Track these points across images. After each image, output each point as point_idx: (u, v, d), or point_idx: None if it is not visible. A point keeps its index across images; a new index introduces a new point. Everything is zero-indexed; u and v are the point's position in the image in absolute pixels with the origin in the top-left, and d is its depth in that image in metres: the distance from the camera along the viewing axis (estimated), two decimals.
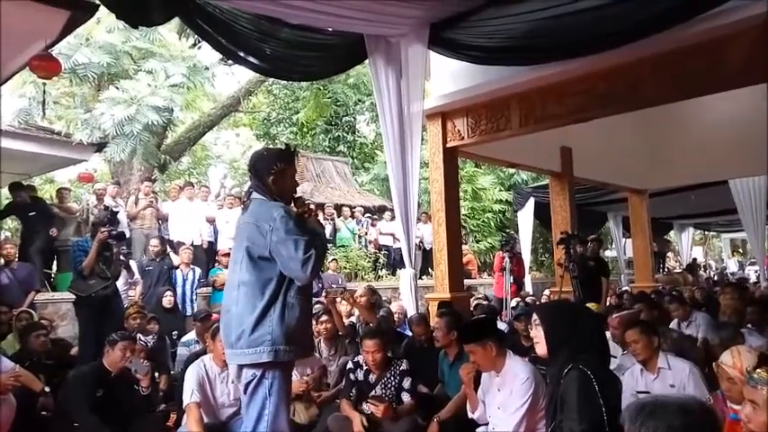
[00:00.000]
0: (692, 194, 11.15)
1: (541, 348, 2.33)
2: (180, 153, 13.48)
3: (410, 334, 5.62)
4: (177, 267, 7.81)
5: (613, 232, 14.72)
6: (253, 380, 2.56)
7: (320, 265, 2.65)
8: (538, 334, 2.35)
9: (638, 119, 6.64)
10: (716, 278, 17.36)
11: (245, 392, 2.61)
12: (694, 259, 18.56)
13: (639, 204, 10.62)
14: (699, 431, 1.28)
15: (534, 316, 2.44)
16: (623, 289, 10.43)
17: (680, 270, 17.25)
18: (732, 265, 23.64)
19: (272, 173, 2.71)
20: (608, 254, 17.82)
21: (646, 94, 5.08)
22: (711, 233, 25.08)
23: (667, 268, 18.98)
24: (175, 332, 6.31)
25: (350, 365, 4.34)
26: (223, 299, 2.82)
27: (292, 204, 2.82)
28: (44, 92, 8.30)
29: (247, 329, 2.52)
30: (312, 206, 2.91)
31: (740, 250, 27.33)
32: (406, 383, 4.10)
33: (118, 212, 6.21)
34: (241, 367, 2.59)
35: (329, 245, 11.28)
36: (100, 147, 9.24)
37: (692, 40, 4.58)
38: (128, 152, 9.69)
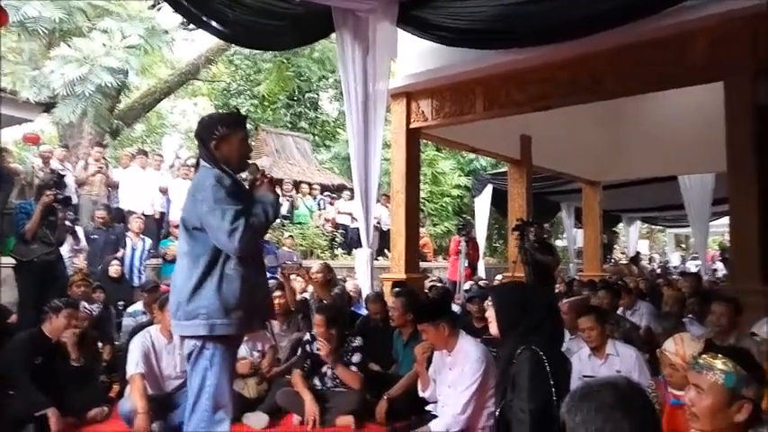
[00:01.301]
0: (642, 188, 11.48)
1: (494, 328, 2.35)
2: (133, 119, 13.01)
3: (365, 313, 5.62)
4: (125, 236, 7.56)
5: (565, 222, 15.03)
6: (194, 350, 2.49)
7: (257, 236, 2.53)
8: (491, 315, 2.37)
9: (597, 111, 6.77)
10: (659, 271, 18.04)
11: (187, 363, 2.55)
12: (638, 252, 19.21)
13: (593, 196, 10.88)
14: (628, 402, 1.30)
15: (489, 297, 2.46)
16: (572, 277, 10.69)
17: (625, 261, 17.85)
18: (675, 259, 24.61)
19: (215, 138, 2.58)
20: (558, 243, 18.26)
21: (607, 85, 5.18)
22: (657, 227, 26.00)
23: (614, 259, 19.61)
24: (122, 303, 6.11)
25: (307, 337, 4.32)
26: (174, 269, 2.74)
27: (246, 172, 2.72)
28: None
29: (183, 301, 2.45)
30: (267, 173, 2.78)
31: (683, 245, 28.48)
32: (355, 358, 4.11)
33: (64, 176, 5.96)
34: (183, 338, 2.54)
35: (286, 221, 11.16)
36: (48, 107, 8.79)
37: (655, 35, 4.69)
38: (78, 114, 9.27)
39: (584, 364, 3.60)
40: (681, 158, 8.68)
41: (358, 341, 4.21)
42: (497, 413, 2.33)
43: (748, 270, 4.18)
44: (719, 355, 1.63)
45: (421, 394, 3.33)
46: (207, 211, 2.42)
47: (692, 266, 19.21)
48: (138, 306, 5.76)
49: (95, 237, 7.27)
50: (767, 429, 1.59)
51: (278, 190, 9.51)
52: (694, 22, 4.44)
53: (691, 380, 1.68)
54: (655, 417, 1.35)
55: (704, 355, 1.66)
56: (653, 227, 25.71)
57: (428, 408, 3.32)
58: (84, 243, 6.87)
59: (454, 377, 3.05)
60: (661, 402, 2.59)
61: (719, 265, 17.95)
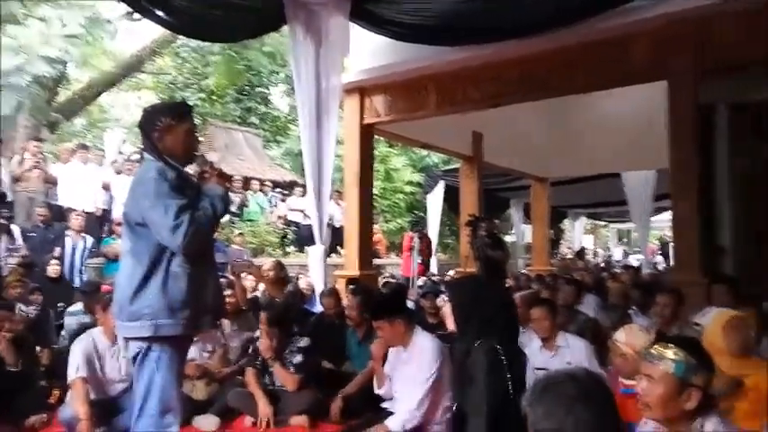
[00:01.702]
0: (588, 185, 11.82)
1: (451, 323, 2.35)
2: (73, 112, 12.44)
3: (318, 310, 5.55)
4: (65, 235, 7.23)
5: (514, 218, 15.33)
6: (139, 353, 2.38)
7: (204, 232, 2.40)
8: (447, 310, 2.36)
9: (546, 109, 6.91)
10: (603, 264, 18.66)
11: (133, 365, 2.43)
12: (583, 247, 19.82)
13: (541, 192, 11.13)
14: (588, 394, 1.31)
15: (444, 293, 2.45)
16: (521, 271, 10.91)
17: (571, 256, 18.37)
18: (618, 254, 25.50)
19: (158, 129, 2.46)
20: (508, 238, 18.60)
21: (555, 84, 5.29)
22: (601, 223, 26.88)
23: (560, 254, 20.15)
24: (61, 304, 5.83)
25: (257, 334, 4.23)
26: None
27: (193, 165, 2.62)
28: None
29: (126, 301, 2.34)
30: (216, 165, 2.67)
31: (625, 240, 29.55)
32: (296, 359, 4.04)
33: None
34: (127, 340, 2.42)
35: (236, 218, 10.93)
36: None
37: (601, 35, 4.82)
38: (13, 106, 8.75)
39: (534, 355, 3.67)
40: (625, 156, 8.96)
41: (304, 342, 4.13)
42: (454, 407, 2.33)
43: (690, 263, 4.35)
44: (670, 345, 1.66)
45: (377, 391, 3.30)
46: (149, 206, 2.31)
47: (633, 260, 19.96)
48: (80, 306, 5.51)
49: (33, 235, 6.91)
50: (716, 417, 1.63)
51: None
52: (640, 22, 4.58)
53: (642, 370, 1.71)
54: (614, 407, 1.36)
55: (655, 346, 1.70)
56: (597, 222, 26.57)
57: (384, 405, 3.30)
58: (20, 242, 6.52)
59: (410, 373, 3.04)
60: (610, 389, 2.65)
61: (659, 259, 18.73)
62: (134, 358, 2.41)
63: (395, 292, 5.55)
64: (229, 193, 2.67)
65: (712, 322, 2.57)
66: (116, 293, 2.46)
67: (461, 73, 5.81)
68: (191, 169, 2.67)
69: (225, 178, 2.66)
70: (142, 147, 2.63)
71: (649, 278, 8.66)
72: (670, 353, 1.65)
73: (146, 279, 2.34)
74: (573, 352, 3.59)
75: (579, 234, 20.98)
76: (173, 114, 2.53)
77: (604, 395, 1.33)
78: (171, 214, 2.27)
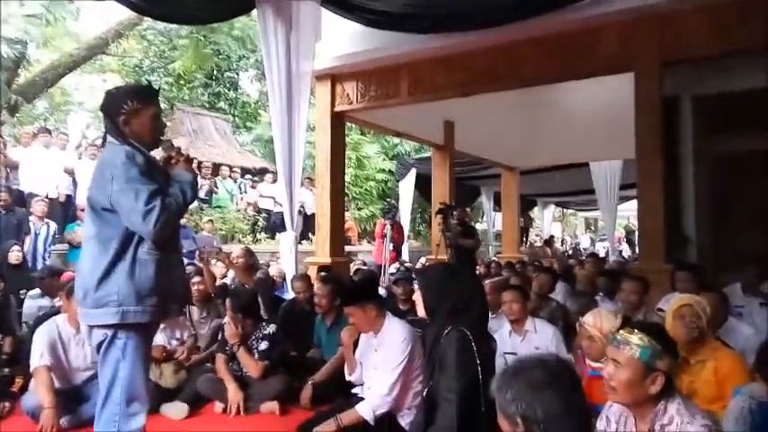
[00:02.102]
0: (556, 174, 12.00)
1: (421, 310, 2.36)
2: (34, 95, 12.03)
3: (287, 297, 5.53)
4: (28, 220, 7.03)
5: (485, 206, 15.50)
6: (104, 340, 2.32)
7: (174, 217, 2.36)
8: (418, 297, 2.37)
9: (516, 99, 6.95)
10: (570, 252, 19.01)
11: (97, 354, 2.37)
12: (552, 235, 20.15)
13: (511, 181, 11.26)
14: (557, 379, 1.34)
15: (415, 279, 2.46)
16: (491, 259, 11.04)
17: (540, 244, 18.66)
18: (585, 241, 26.00)
19: (123, 113, 2.38)
20: (479, 226, 18.80)
21: (525, 74, 5.35)
22: (569, 211, 27.34)
23: (529, 242, 20.45)
24: (23, 291, 5.66)
25: (226, 320, 4.20)
26: (81, 254, 2.54)
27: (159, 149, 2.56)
28: None
29: (91, 288, 2.27)
30: (183, 151, 2.62)
31: (592, 227, 30.13)
32: (262, 346, 4.05)
33: None
34: (92, 327, 2.35)
35: (205, 205, 10.78)
36: None
37: (570, 26, 4.90)
38: None
39: (504, 341, 3.74)
40: (592, 145, 9.12)
41: (270, 329, 4.13)
42: (425, 393, 2.35)
43: (655, 251, 4.47)
44: (636, 331, 1.71)
45: (348, 378, 3.31)
46: (118, 191, 2.24)
47: (600, 248, 20.40)
48: (39, 290, 5.40)
49: None
50: (678, 399, 1.68)
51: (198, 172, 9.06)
52: (607, 15, 4.68)
53: (609, 354, 1.75)
54: (582, 393, 1.39)
55: (621, 331, 1.74)
56: (565, 210, 27.02)
57: (354, 390, 3.30)
58: None
59: (380, 359, 3.04)
60: (579, 374, 2.71)
61: (625, 246, 19.15)
62: (98, 346, 2.35)
63: (366, 279, 5.55)
64: (197, 179, 2.62)
65: (668, 311, 2.65)
66: (79, 280, 2.38)
67: (434, 61, 5.82)
68: (156, 154, 2.61)
69: (191, 163, 2.61)
70: (105, 130, 2.54)
71: (616, 266, 8.85)
72: (636, 338, 1.69)
73: (112, 265, 2.28)
74: (541, 337, 3.68)
75: (548, 222, 21.30)
76: (139, 97, 2.45)
77: (573, 381, 1.35)
78: (142, 200, 2.22)
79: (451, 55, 5.66)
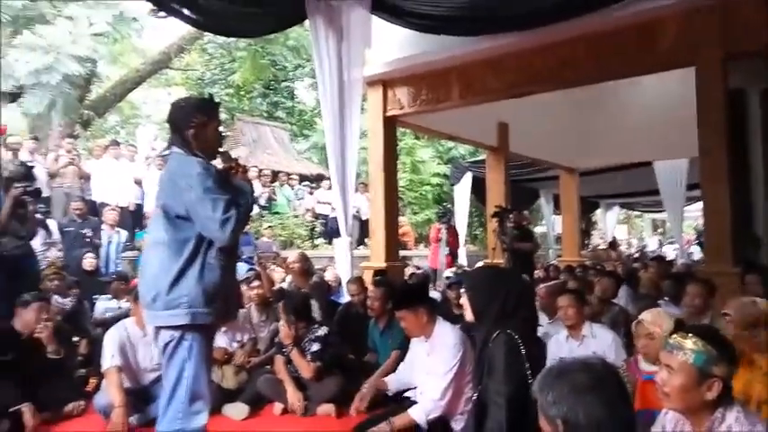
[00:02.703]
0: (620, 175, 11.61)
1: (469, 314, 2.35)
2: (105, 109, 12.74)
3: (343, 302, 5.61)
4: (100, 229, 7.44)
5: (544, 209, 15.17)
6: (171, 341, 2.44)
7: (243, 225, 2.49)
8: (465, 301, 2.37)
9: (573, 98, 6.79)
10: (636, 255, 18.33)
11: (163, 354, 2.50)
12: (614, 237, 19.50)
13: (570, 182, 10.98)
14: (601, 384, 1.31)
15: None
16: (551, 263, 10.80)
17: (604, 247, 18.09)
18: (652, 244, 25.01)
19: (192, 126, 2.52)
20: (538, 229, 18.42)
21: (580, 72, 5.21)
22: (635, 213, 26.37)
23: (592, 245, 19.86)
24: (96, 296, 6.01)
25: (280, 324, 4.31)
26: (141, 258, 2.68)
27: (218, 160, 2.68)
28: None
29: (163, 290, 2.40)
30: (241, 162, 2.73)
31: (660, 230, 28.94)
32: (313, 347, 4.11)
33: (33, 167, 5.81)
34: (159, 329, 2.48)
35: (265, 212, 11.08)
36: (14, 97, 8.56)
37: (627, 21, 4.73)
38: (45, 104, 9.01)
39: (561, 346, 3.64)
40: (656, 144, 8.78)
41: (322, 331, 4.19)
42: (474, 397, 2.34)
43: (721, 252, 4.25)
44: (690, 335, 1.64)
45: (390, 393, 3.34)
46: (195, 200, 2.37)
47: (669, 251, 19.56)
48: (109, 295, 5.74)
49: (69, 230, 7.12)
50: (737, 407, 1.61)
51: (258, 180, 9.32)
52: (666, 7, 4.49)
53: (662, 360, 1.70)
54: (627, 399, 1.35)
55: (675, 335, 1.68)
56: (630, 212, 26.08)
57: (408, 394, 3.32)
58: (56, 236, 6.74)
59: (432, 364, 3.05)
60: (632, 381, 2.62)
61: (696, 249, 18.28)
62: (165, 346, 2.47)
63: (418, 283, 5.56)
64: (254, 189, 2.73)
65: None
66: (146, 283, 2.50)
67: (484, 63, 5.76)
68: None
69: (248, 174, 2.74)
70: (170, 141, 2.68)
71: (683, 269, 8.48)
72: (689, 343, 1.62)
73: (184, 269, 2.41)
74: (599, 342, 3.54)
75: (612, 224, 20.62)
76: (205, 111, 2.60)
77: (617, 386, 1.32)
78: (219, 209, 2.35)
79: (502, 56, 5.59)
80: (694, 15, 4.40)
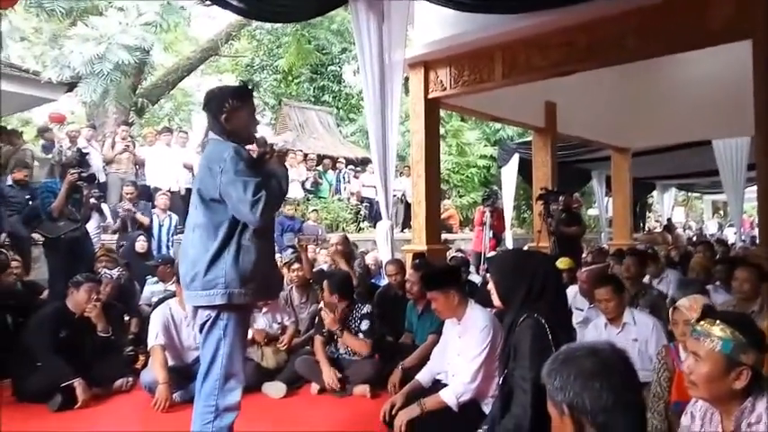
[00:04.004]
0: (676, 155, 11.13)
1: (496, 299, 2.32)
2: (158, 97, 13.14)
3: (383, 284, 5.64)
4: (151, 213, 7.72)
5: (596, 190, 14.74)
6: (208, 320, 2.52)
7: (274, 208, 2.53)
8: (491, 286, 2.33)
9: (623, 75, 6.53)
10: (695, 238, 17.59)
11: (200, 333, 2.58)
12: (669, 219, 18.75)
13: (622, 163, 10.61)
14: (608, 370, 1.27)
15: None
16: (599, 246, 10.51)
17: (659, 230, 17.45)
18: (712, 227, 23.95)
19: (225, 111, 2.57)
20: (590, 212, 17.93)
21: (628, 47, 4.98)
22: (694, 194, 25.29)
23: (648, 228, 19.19)
24: (148, 277, 6.25)
25: (321, 306, 4.38)
26: (183, 241, 2.77)
27: (254, 145, 2.73)
28: None
29: (201, 271, 2.47)
30: (276, 147, 2.78)
31: (721, 212, 27.67)
32: (364, 326, 4.17)
33: (88, 154, 6.06)
34: (197, 308, 2.56)
35: (311, 195, 11.22)
36: (70, 86, 8.92)
37: None
38: (99, 93, 9.39)
39: (600, 332, 3.56)
40: (713, 122, 8.36)
41: (366, 308, 4.25)
42: (500, 381, 2.31)
43: None
44: (717, 322, 1.56)
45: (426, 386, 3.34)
46: (227, 183, 2.43)
47: (729, 234, 18.69)
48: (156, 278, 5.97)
49: (124, 213, 7.42)
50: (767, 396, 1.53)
51: (303, 164, 9.40)
52: None
53: (689, 347, 1.62)
54: (635, 386, 1.31)
55: (702, 322, 1.60)
56: (689, 194, 25.02)
57: (439, 377, 3.32)
58: (110, 219, 7.03)
59: (463, 346, 3.03)
60: (671, 369, 2.53)
61: (757, 232, 17.31)
62: (202, 326, 2.56)
63: (451, 265, 5.51)
64: (288, 174, 2.75)
65: None
66: (185, 265, 2.59)
67: (528, 41, 5.59)
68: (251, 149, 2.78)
69: (283, 160, 2.77)
70: (208, 127, 2.74)
71: (741, 252, 8.09)
72: (717, 329, 1.55)
73: (220, 251, 2.48)
74: (639, 328, 3.44)
75: (668, 206, 19.84)
76: (238, 97, 2.64)
77: (626, 373, 1.28)
78: (250, 191, 2.39)
79: (546, 33, 5.41)
80: None
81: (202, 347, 2.60)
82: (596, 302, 3.65)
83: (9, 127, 9.58)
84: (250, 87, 2.84)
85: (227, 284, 2.46)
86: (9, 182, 6.90)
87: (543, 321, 2.15)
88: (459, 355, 3.05)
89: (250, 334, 4.27)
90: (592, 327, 3.69)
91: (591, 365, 1.25)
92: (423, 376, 3.35)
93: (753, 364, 1.51)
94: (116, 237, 7.50)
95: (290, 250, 6.72)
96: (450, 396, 2.96)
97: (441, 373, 3.29)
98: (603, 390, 1.22)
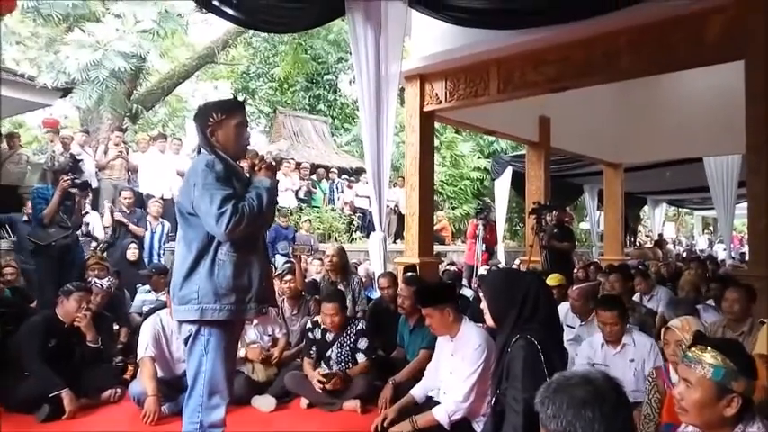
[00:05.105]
0: (668, 171, 11.22)
1: (488, 318, 2.32)
2: (153, 103, 13.10)
3: (375, 297, 5.62)
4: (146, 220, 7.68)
5: (588, 205, 14.83)
6: (189, 335, 2.49)
7: (247, 221, 2.39)
8: (484, 305, 2.33)
9: (617, 92, 6.60)
10: (685, 254, 17.70)
11: (185, 347, 2.56)
12: (660, 235, 18.86)
13: (614, 178, 10.68)
14: (600, 399, 1.27)
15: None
16: (590, 261, 10.54)
17: (650, 245, 17.54)
18: (702, 243, 24.11)
19: (209, 125, 2.55)
20: (582, 226, 18.01)
21: (622, 66, 5.04)
22: (684, 210, 25.48)
23: (638, 242, 19.29)
24: (139, 286, 6.20)
25: (308, 325, 4.36)
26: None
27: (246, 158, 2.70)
28: None
29: (177, 285, 2.46)
30: (270, 159, 2.75)
31: (711, 228, 27.87)
32: (362, 344, 4.14)
33: (81, 160, 6.03)
34: (180, 322, 2.53)
35: (304, 205, 11.20)
36: (65, 92, 8.90)
37: (670, 14, 4.57)
38: (94, 99, 9.37)
39: (595, 351, 3.52)
40: (705, 140, 8.45)
41: (361, 324, 4.23)
42: (492, 401, 2.31)
43: (765, 255, 4.05)
44: (709, 348, 1.57)
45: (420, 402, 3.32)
46: (198, 196, 2.39)
47: (719, 250, 18.80)
48: (148, 286, 5.91)
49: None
50: (758, 424, 1.54)
51: (297, 173, 9.34)
52: (709, 0, 4.29)
53: (680, 373, 1.63)
54: (628, 416, 1.31)
55: (693, 348, 1.61)
56: (680, 209, 25.20)
57: (430, 393, 3.31)
58: (100, 226, 6.98)
59: (455, 364, 3.03)
60: (661, 390, 2.54)
61: (747, 249, 17.44)
62: (185, 340, 2.53)
63: (446, 282, 5.52)
64: (276, 185, 2.71)
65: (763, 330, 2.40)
66: (172, 278, 2.58)
67: (524, 56, 5.65)
68: (244, 163, 2.76)
69: (273, 171, 2.72)
70: (198, 143, 2.72)
71: (731, 270, 8.14)
72: (708, 356, 1.55)
73: (194, 265, 2.44)
74: (638, 350, 3.39)
75: (659, 221, 19.97)
76: (223, 109, 2.60)
77: (618, 402, 1.28)
78: (216, 203, 2.34)
79: (542, 49, 5.46)
80: (742, 6, 4.20)
81: (187, 363, 2.57)
82: (599, 324, 3.54)
83: (2, 130, 9.55)
84: (240, 100, 2.80)
85: (200, 300, 2.41)
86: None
87: (536, 342, 2.15)
88: (452, 373, 3.05)
89: (243, 352, 4.24)
90: (586, 345, 3.65)
91: (583, 394, 1.25)
92: (417, 392, 3.34)
93: (743, 392, 1.52)
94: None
95: (284, 260, 6.70)
96: (442, 414, 2.95)
97: (433, 390, 3.28)
98: (595, 419, 1.22)
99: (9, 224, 6.99)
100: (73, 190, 5.39)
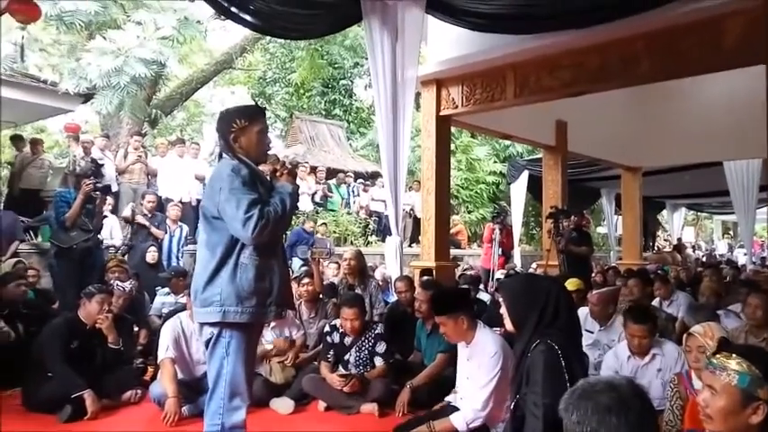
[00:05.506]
0: (687, 175, 11.12)
1: (508, 323, 2.32)
2: (172, 108, 13.27)
3: (391, 300, 5.63)
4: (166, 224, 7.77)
5: (606, 209, 14.72)
6: (211, 338, 2.53)
7: (273, 225, 2.44)
8: (503, 311, 2.33)
9: (635, 96, 6.54)
10: (704, 259, 17.47)
11: (206, 350, 2.59)
12: (679, 239, 18.63)
13: (632, 182, 10.60)
14: (625, 406, 1.27)
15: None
16: (609, 265, 10.46)
17: (669, 249, 17.35)
18: (722, 247, 23.79)
19: (232, 131, 2.60)
20: (600, 230, 17.87)
21: (639, 70, 5.01)
22: (704, 214, 25.16)
23: (657, 247, 19.09)
24: (158, 288, 6.27)
25: (326, 328, 4.38)
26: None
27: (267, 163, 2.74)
28: (22, 37, 8.00)
29: (200, 288, 2.49)
30: (288, 164, 2.79)
31: (731, 232, 27.48)
32: (380, 348, 4.16)
33: (103, 165, 6.13)
34: (201, 325, 2.57)
35: (320, 209, 11.24)
36: (87, 97, 9.05)
37: (688, 18, 4.52)
38: (115, 104, 9.52)
39: (622, 363, 3.40)
40: (724, 144, 8.36)
41: (379, 329, 4.24)
42: (511, 406, 2.31)
43: None
44: (734, 355, 1.56)
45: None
46: (224, 200, 2.44)
47: (739, 255, 18.54)
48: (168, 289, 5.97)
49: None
50: None
51: (311, 178, 9.41)
52: (728, 4, 4.26)
53: (704, 380, 1.62)
54: (653, 423, 1.31)
55: (718, 355, 1.60)
56: (699, 213, 24.89)
57: (448, 398, 3.31)
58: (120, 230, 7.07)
59: (471, 369, 3.03)
60: (683, 397, 2.52)
61: None
62: (207, 342, 2.57)
63: (459, 289, 5.49)
64: (299, 189, 2.74)
65: None
66: (193, 281, 2.62)
67: (540, 61, 5.63)
68: (265, 168, 2.80)
69: (294, 176, 2.77)
70: (220, 149, 2.77)
71: (752, 275, 8.03)
72: (733, 363, 1.54)
73: (218, 268, 2.48)
74: (666, 359, 3.29)
75: (678, 226, 19.75)
76: (246, 116, 2.65)
77: (642, 409, 1.28)
78: (242, 208, 2.39)
79: (558, 54, 5.45)
80: (762, 10, 4.14)
81: (208, 365, 2.60)
82: (627, 336, 3.40)
83: (25, 135, 9.74)
84: (261, 107, 2.86)
85: (223, 302, 2.46)
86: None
87: (556, 347, 2.15)
88: (468, 379, 3.04)
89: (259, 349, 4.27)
90: (611, 355, 3.54)
91: (608, 401, 1.26)
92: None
93: None
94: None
95: (301, 263, 6.73)
96: (460, 421, 2.95)
97: (450, 395, 3.28)
98: (620, 426, 1.22)
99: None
100: (95, 194, 5.48)
